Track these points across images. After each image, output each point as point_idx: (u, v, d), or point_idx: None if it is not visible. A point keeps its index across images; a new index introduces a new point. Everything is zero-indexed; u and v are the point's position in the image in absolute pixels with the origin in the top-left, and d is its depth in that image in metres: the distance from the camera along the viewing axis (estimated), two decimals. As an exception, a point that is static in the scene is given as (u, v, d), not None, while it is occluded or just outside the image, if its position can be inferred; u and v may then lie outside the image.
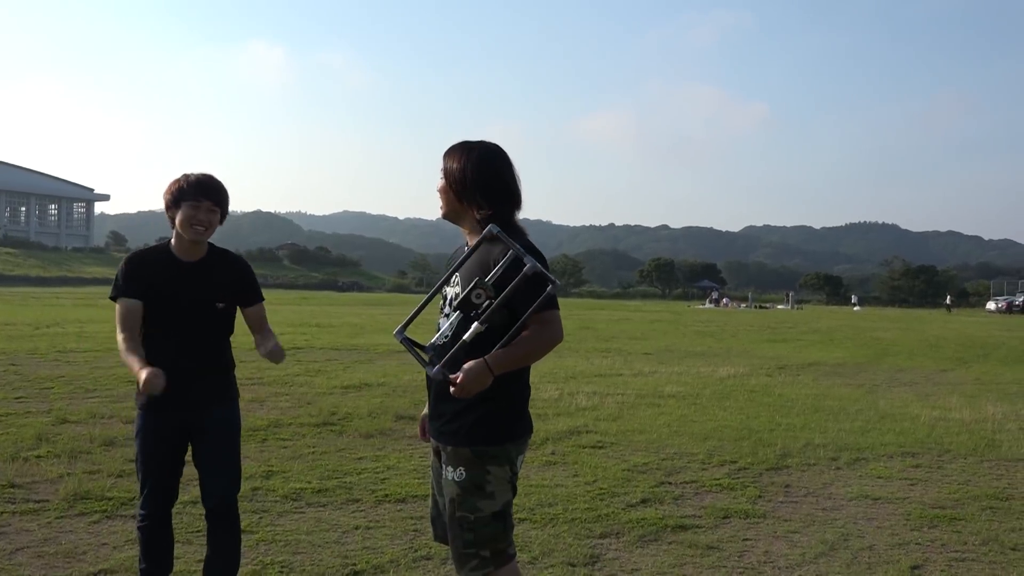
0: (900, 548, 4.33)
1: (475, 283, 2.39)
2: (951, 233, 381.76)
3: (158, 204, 3.33)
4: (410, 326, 2.51)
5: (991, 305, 69.03)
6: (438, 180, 2.62)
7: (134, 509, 3.68)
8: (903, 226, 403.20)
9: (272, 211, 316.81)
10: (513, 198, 2.61)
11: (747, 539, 4.43)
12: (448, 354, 2.45)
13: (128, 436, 5.98)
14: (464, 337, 2.42)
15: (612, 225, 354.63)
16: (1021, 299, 65.47)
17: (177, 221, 3.10)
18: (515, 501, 4.98)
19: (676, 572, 3.94)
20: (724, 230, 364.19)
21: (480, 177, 2.55)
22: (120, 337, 3.09)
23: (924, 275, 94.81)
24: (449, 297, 2.62)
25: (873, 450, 6.78)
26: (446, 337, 2.53)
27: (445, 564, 3.89)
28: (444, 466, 2.60)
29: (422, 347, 2.59)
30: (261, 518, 4.51)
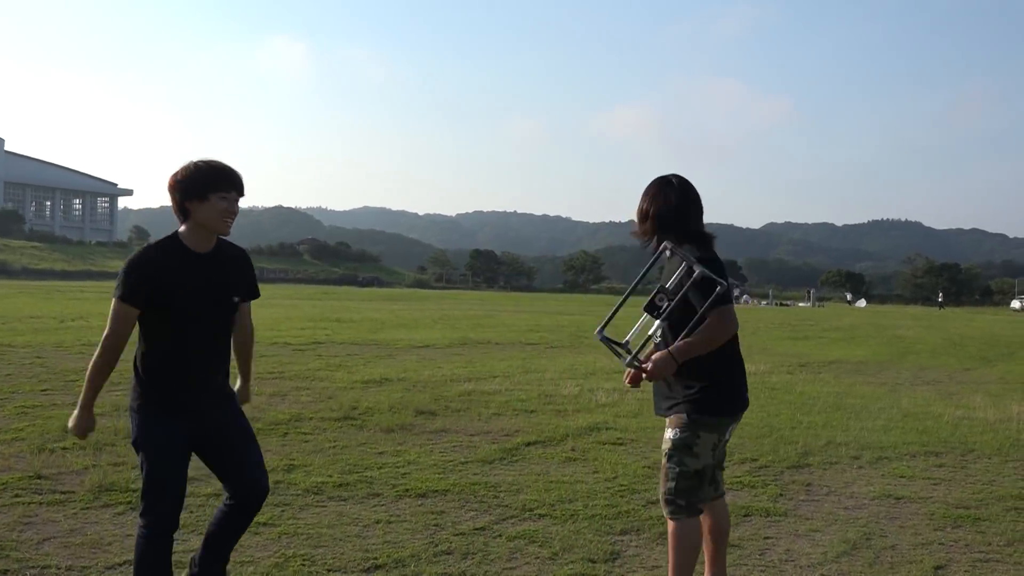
0: (923, 548, 4.30)
1: (657, 289, 3.01)
2: (975, 231, 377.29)
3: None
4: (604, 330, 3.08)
5: (1015, 304, 68.29)
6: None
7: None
8: (926, 223, 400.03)
9: (293, 206, 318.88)
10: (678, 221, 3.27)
11: (768, 537, 4.41)
12: (638, 348, 3.11)
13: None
14: (649, 333, 3.05)
15: (632, 221, 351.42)
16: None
17: (202, 213, 2.91)
18: (534, 497, 4.98)
19: (697, 570, 3.93)
20: (745, 227, 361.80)
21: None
22: (112, 341, 2.97)
23: (947, 273, 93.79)
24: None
25: (896, 449, 6.72)
26: (635, 335, 3.13)
27: (465, 559, 3.90)
28: (666, 429, 3.22)
29: (619, 343, 3.13)
30: (283, 511, 4.54)
